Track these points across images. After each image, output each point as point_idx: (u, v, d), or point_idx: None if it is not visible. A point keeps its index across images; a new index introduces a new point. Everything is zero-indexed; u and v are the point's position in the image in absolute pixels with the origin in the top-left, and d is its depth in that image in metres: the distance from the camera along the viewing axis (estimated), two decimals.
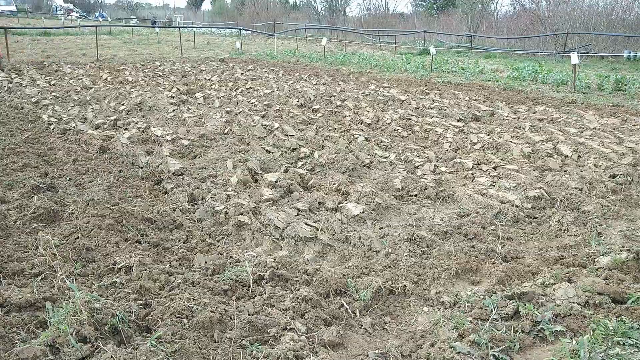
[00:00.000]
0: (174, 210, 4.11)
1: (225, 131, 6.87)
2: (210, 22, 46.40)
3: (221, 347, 2.35)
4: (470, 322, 2.62)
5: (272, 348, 2.35)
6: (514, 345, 2.45)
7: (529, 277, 3.18)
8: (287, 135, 6.64)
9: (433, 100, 9.08)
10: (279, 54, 19.72)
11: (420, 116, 7.80)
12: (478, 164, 5.57)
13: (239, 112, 8.06)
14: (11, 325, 2.39)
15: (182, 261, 3.27)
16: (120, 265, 3.04)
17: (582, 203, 4.40)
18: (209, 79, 12.12)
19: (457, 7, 33.71)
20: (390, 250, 3.46)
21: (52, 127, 6.75)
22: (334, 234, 3.67)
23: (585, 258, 3.39)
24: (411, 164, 5.59)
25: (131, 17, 51.59)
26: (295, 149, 6.02)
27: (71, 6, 53.03)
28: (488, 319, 2.64)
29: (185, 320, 2.50)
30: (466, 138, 6.52)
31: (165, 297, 2.72)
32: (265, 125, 7.13)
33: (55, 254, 3.12)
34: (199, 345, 2.34)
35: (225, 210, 4.00)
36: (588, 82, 11.34)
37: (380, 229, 3.78)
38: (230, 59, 17.93)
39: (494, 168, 5.44)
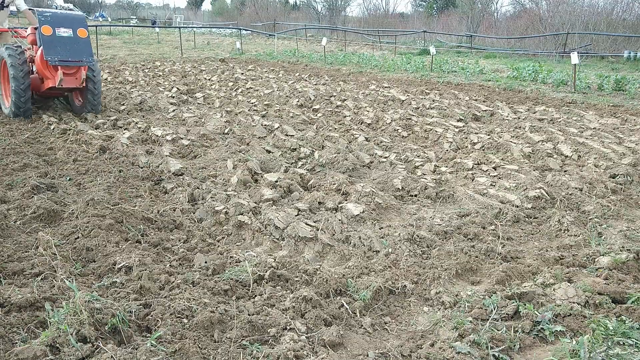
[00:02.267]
0: (174, 210, 4.11)
1: (226, 131, 6.87)
2: (210, 22, 46.43)
3: (221, 347, 2.35)
4: (470, 322, 2.62)
5: (272, 348, 2.35)
6: (514, 345, 2.45)
7: (529, 277, 3.18)
8: (287, 135, 6.64)
9: (433, 100, 9.08)
10: (279, 54, 19.72)
11: (420, 116, 7.80)
12: (478, 164, 5.57)
13: (239, 112, 8.06)
14: (11, 325, 2.40)
15: (182, 261, 3.27)
16: (120, 265, 3.04)
17: (582, 203, 4.40)
18: (209, 79, 12.12)
19: (457, 7, 33.72)
20: (390, 250, 3.46)
21: (52, 127, 6.75)
22: (334, 234, 3.67)
23: (585, 258, 3.39)
24: (411, 164, 5.59)
25: (131, 17, 51.60)
26: (295, 149, 6.02)
27: (71, 6, 53.03)
28: (488, 319, 2.64)
29: (185, 320, 2.50)
30: (466, 138, 6.53)
31: (165, 297, 2.72)
32: (265, 125, 7.13)
33: (55, 254, 3.12)
34: (199, 345, 2.34)
35: (225, 210, 4.00)
36: (588, 82, 11.34)
37: (380, 229, 3.78)
38: (231, 59, 17.94)
39: (494, 168, 5.44)
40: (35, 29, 6.87)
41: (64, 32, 6.77)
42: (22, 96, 6.87)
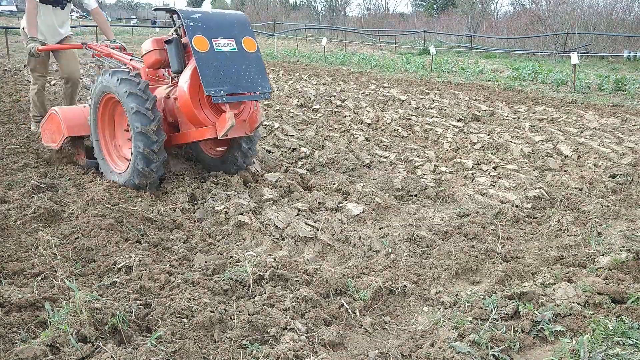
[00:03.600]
0: (174, 210, 4.11)
1: None
2: None
3: (221, 346, 2.35)
4: (470, 322, 2.62)
5: (272, 348, 2.36)
6: (514, 345, 2.45)
7: (529, 277, 3.18)
8: (287, 135, 6.64)
9: (433, 100, 9.08)
10: (279, 53, 19.73)
11: (420, 116, 7.81)
12: (478, 163, 5.57)
13: None
14: (11, 325, 2.39)
15: (182, 261, 3.27)
16: (121, 265, 3.04)
17: (582, 203, 4.40)
18: None
19: (457, 7, 33.73)
20: (390, 250, 3.46)
21: None
22: (334, 234, 3.67)
23: (585, 258, 3.39)
24: (411, 164, 5.60)
25: (131, 17, 51.59)
26: (295, 148, 6.02)
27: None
28: (488, 319, 2.64)
29: (185, 320, 2.50)
30: (466, 138, 6.53)
31: (165, 296, 2.72)
32: (265, 125, 7.13)
33: (55, 254, 3.12)
34: (199, 345, 2.34)
35: (225, 210, 4.00)
36: (588, 82, 11.34)
37: (380, 229, 3.78)
38: None
39: (494, 168, 5.44)
40: (168, 42, 4.26)
41: (225, 44, 4.10)
42: (154, 162, 4.18)
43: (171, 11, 4.30)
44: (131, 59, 5.08)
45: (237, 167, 4.75)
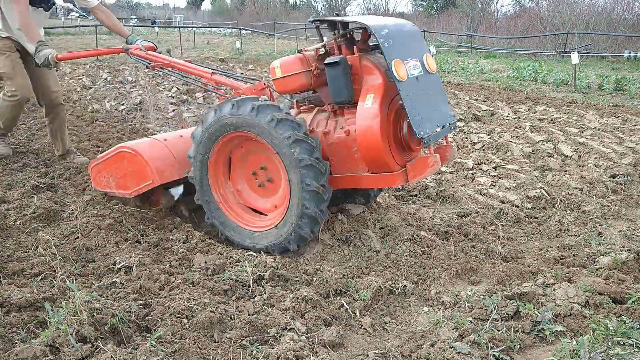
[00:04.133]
0: None
1: None
2: (210, 22, 46.45)
3: (221, 347, 2.35)
4: (471, 322, 2.61)
5: (272, 348, 2.35)
6: (514, 345, 2.45)
7: (529, 277, 3.18)
8: None
9: None
10: (279, 53, 19.72)
11: None
12: (478, 163, 5.57)
13: None
14: (11, 325, 2.39)
15: (182, 261, 3.26)
16: (120, 265, 3.04)
17: (583, 203, 4.39)
18: None
19: (457, 7, 33.72)
20: (390, 250, 3.46)
21: None
22: (334, 234, 3.66)
23: (585, 258, 3.39)
24: None
25: (131, 16, 51.56)
26: None
27: (71, 6, 52.81)
28: (488, 319, 2.64)
29: (185, 320, 2.50)
30: (466, 138, 6.53)
31: (165, 297, 2.72)
32: None
33: (55, 254, 3.12)
34: (199, 345, 2.34)
35: None
36: (588, 82, 11.33)
37: (380, 229, 3.78)
38: (230, 58, 17.93)
39: (495, 168, 5.44)
40: (333, 64, 3.12)
41: (414, 67, 3.18)
42: (319, 222, 3.32)
43: (344, 24, 3.20)
44: (212, 72, 3.89)
45: (365, 199, 3.88)
